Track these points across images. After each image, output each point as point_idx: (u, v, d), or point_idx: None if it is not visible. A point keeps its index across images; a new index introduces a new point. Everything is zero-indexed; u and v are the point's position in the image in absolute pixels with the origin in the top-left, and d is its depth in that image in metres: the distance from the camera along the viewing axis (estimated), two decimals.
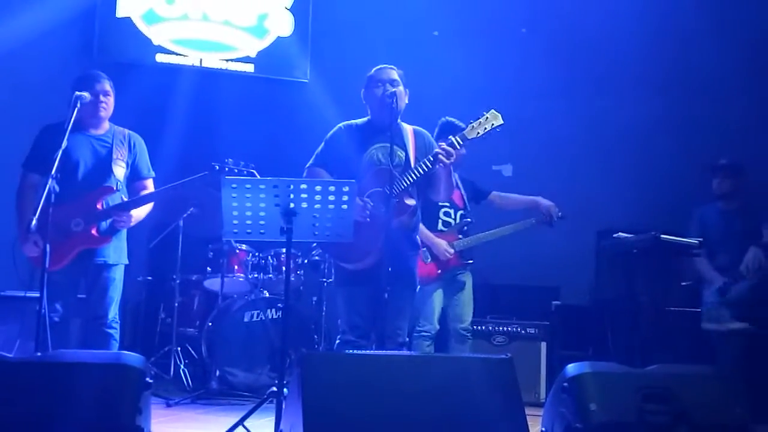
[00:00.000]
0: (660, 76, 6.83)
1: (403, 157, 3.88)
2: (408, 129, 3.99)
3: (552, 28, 7.13)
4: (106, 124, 4.25)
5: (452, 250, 4.85)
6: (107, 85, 4.18)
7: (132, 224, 4.17)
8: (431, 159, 3.72)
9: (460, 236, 4.93)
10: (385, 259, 3.59)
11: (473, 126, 3.77)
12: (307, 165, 4.00)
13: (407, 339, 4.00)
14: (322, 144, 4.01)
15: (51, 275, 3.70)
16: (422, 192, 4.02)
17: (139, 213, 4.20)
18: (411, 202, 3.81)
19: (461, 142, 3.76)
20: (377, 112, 3.92)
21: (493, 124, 3.76)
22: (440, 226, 4.94)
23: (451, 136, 3.77)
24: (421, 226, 4.78)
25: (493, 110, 3.78)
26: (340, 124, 4.04)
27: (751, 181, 5.14)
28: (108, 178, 4.15)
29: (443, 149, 3.68)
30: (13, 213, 4.14)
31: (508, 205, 5.17)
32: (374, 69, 3.99)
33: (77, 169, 4.09)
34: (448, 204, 4.96)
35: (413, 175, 3.75)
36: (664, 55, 6.79)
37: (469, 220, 5.02)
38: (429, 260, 4.84)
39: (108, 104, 4.19)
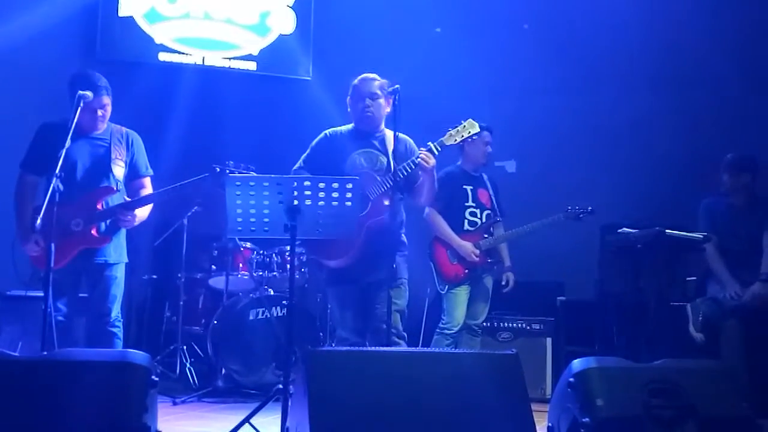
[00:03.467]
0: (664, 71, 6.82)
1: (385, 162, 4.07)
2: (389, 135, 4.13)
3: (554, 23, 7.11)
4: (104, 124, 4.23)
5: (477, 251, 4.86)
6: (106, 98, 4.14)
7: (135, 224, 4.17)
8: (412, 164, 3.91)
9: (486, 236, 4.94)
10: (365, 257, 3.84)
11: (451, 133, 3.99)
12: (294, 168, 4.16)
13: (405, 333, 4.06)
14: (308, 149, 4.20)
15: (52, 274, 3.67)
16: (409, 196, 4.20)
17: (143, 213, 4.21)
18: (387, 202, 3.95)
19: (439, 149, 3.94)
20: (358, 123, 4.16)
21: (470, 132, 4.02)
22: (466, 226, 4.97)
23: (429, 142, 3.95)
24: (447, 229, 4.87)
25: (470, 119, 4.01)
26: (326, 131, 4.23)
27: (759, 175, 5.09)
28: (107, 178, 4.16)
29: (423, 155, 3.88)
30: (12, 211, 4.14)
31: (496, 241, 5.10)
32: (358, 79, 4.18)
33: (75, 170, 4.08)
34: (474, 204, 5.01)
35: (395, 178, 3.88)
36: (667, 49, 6.77)
37: (498, 219, 5.04)
38: (455, 261, 4.85)
39: (106, 115, 4.19)
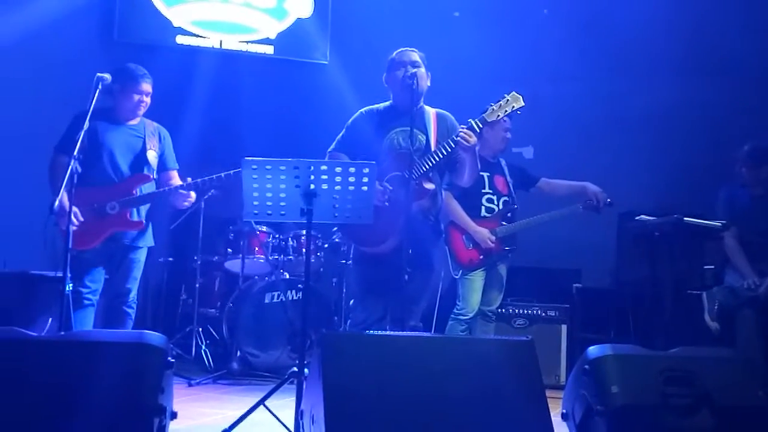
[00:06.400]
0: (682, 56, 6.74)
1: (424, 141, 3.87)
2: (431, 112, 3.98)
3: (574, 8, 7.05)
4: (142, 112, 4.46)
5: (493, 238, 4.82)
6: (150, 86, 4.39)
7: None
8: (452, 143, 3.71)
9: (503, 223, 4.91)
10: (404, 243, 3.59)
11: (493, 109, 3.74)
12: (329, 150, 4.01)
13: (421, 324, 4.00)
14: (344, 129, 4.02)
15: (82, 254, 4.06)
16: (446, 176, 4.02)
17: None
18: (430, 186, 3.80)
19: (481, 126, 3.72)
20: (399, 94, 3.91)
21: (513, 107, 3.73)
22: (483, 213, 4.91)
23: (470, 119, 3.73)
24: (463, 214, 4.82)
25: (514, 92, 3.74)
26: (362, 110, 4.03)
27: None
28: (144, 166, 4.39)
29: (462, 133, 3.66)
30: (42, 194, 4.22)
31: (556, 191, 5.11)
32: (395, 52, 3.99)
33: (114, 155, 4.31)
34: (491, 191, 4.95)
35: (433, 159, 3.74)
36: (686, 35, 6.69)
37: (515, 206, 4.99)
38: (471, 246, 4.83)
39: (148, 103, 4.42)
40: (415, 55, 3.93)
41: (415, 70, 3.82)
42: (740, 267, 4.88)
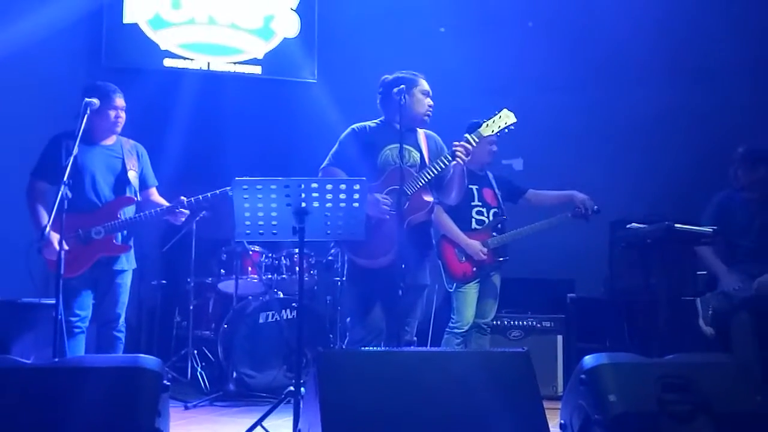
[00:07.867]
0: (671, 65, 6.79)
1: (418, 158, 3.96)
2: (420, 132, 4.07)
3: (559, 20, 7.10)
4: (119, 129, 4.35)
5: (486, 250, 4.84)
6: (123, 100, 4.28)
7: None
8: (448, 157, 3.79)
9: (494, 234, 4.92)
10: (399, 257, 3.63)
11: (487, 124, 3.89)
12: (322, 166, 4.03)
13: (415, 338, 4.02)
14: (336, 145, 4.06)
15: (69, 281, 3.92)
16: (439, 194, 4.06)
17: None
18: (429, 198, 3.86)
19: (477, 140, 3.82)
20: (413, 117, 3.96)
21: (506, 122, 3.90)
22: (474, 225, 4.93)
23: (466, 134, 3.83)
24: (454, 227, 4.84)
25: (505, 109, 3.90)
26: (353, 126, 4.08)
27: None
28: (126, 187, 4.29)
29: (461, 146, 3.75)
30: (25, 219, 4.20)
31: (544, 201, 5.17)
32: (419, 77, 4.06)
33: (95, 180, 4.21)
34: (480, 203, 4.97)
35: (430, 172, 3.82)
36: (674, 44, 6.75)
37: (504, 217, 5.01)
38: (463, 259, 4.84)
39: (124, 119, 4.31)
40: (426, 84, 4.06)
41: (422, 98, 3.99)
42: (718, 272, 4.87)
